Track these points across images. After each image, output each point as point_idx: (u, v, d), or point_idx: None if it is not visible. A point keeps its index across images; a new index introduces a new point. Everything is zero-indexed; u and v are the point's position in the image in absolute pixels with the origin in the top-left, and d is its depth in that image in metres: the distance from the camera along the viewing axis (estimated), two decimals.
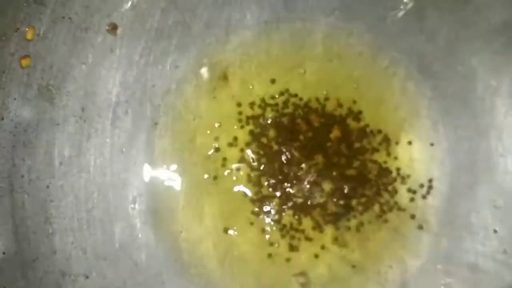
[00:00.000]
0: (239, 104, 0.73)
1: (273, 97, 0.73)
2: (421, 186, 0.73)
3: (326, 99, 0.74)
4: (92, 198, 0.69)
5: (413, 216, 0.73)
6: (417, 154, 0.74)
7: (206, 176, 0.72)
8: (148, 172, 0.72)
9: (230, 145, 0.73)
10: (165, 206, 0.71)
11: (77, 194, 0.68)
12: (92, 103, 0.68)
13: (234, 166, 0.73)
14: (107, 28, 0.67)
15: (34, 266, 0.64)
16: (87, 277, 0.66)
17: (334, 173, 0.72)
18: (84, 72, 0.67)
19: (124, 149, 0.70)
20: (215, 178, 0.72)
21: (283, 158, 0.72)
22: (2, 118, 0.63)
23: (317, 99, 0.74)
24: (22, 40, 0.63)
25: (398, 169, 0.73)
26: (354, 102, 0.74)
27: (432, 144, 0.74)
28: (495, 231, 0.71)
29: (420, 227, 0.73)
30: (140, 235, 0.70)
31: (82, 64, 0.67)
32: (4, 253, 0.62)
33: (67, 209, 0.66)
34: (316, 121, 0.73)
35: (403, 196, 0.73)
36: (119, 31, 0.67)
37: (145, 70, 0.70)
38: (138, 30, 0.69)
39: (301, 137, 0.72)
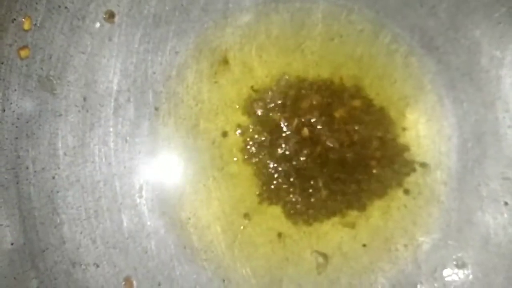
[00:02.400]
0: (241, 88, 0.72)
1: (275, 79, 0.72)
2: (429, 161, 0.72)
3: (329, 78, 0.73)
4: (98, 187, 0.68)
5: (421, 192, 0.72)
6: (423, 130, 0.73)
7: (211, 161, 0.72)
8: (153, 160, 0.71)
9: (234, 129, 0.72)
10: (172, 193, 0.71)
11: (83, 184, 0.67)
12: (93, 92, 0.67)
13: (239, 150, 0.72)
14: (104, 16, 0.66)
15: (44, 256, 0.64)
16: (97, 266, 0.66)
17: (340, 153, 0.72)
18: (83, 62, 0.66)
19: (128, 138, 0.69)
20: (220, 163, 0.72)
21: (289, 140, 0.71)
22: (4, 110, 0.63)
23: (320, 79, 0.73)
24: (19, 31, 0.63)
25: (404, 146, 0.72)
26: (357, 80, 0.73)
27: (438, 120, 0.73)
28: (505, 203, 0.71)
29: (430, 203, 0.72)
30: (148, 223, 0.70)
31: (81, 53, 0.66)
32: (12, 244, 0.62)
33: (74, 199, 0.66)
34: (320, 101, 0.72)
35: (410, 172, 0.72)
36: (116, 18, 0.67)
37: (145, 57, 0.69)
38: (136, 17, 0.69)
39: (306, 118, 0.72)
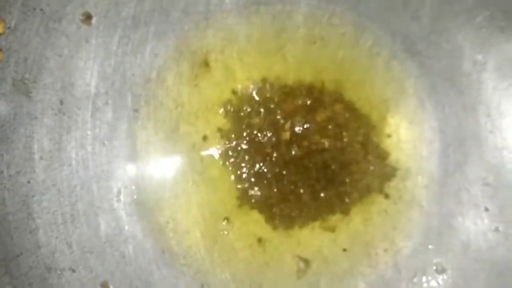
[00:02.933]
0: (222, 91, 0.71)
1: (256, 83, 0.72)
2: (410, 166, 0.72)
3: (310, 82, 0.72)
4: (75, 191, 0.67)
5: (402, 197, 0.72)
6: (405, 134, 0.72)
7: (191, 165, 0.71)
8: (132, 164, 0.70)
9: (214, 133, 0.71)
10: (150, 197, 0.70)
11: (60, 188, 0.66)
12: (70, 95, 0.66)
13: (219, 154, 0.71)
14: (81, 18, 0.65)
15: (18, 261, 0.63)
16: (73, 271, 0.65)
17: (321, 157, 0.71)
18: (60, 64, 0.65)
19: (106, 141, 0.68)
20: (200, 167, 0.71)
21: (269, 144, 0.71)
22: None
23: (301, 83, 0.72)
24: None
25: (386, 150, 0.72)
26: (339, 83, 0.72)
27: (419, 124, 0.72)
28: (486, 209, 0.71)
29: (410, 207, 0.71)
30: (126, 227, 0.69)
31: (58, 56, 0.65)
32: None
33: (50, 203, 0.65)
34: (301, 105, 0.72)
35: (391, 177, 0.72)
36: (93, 20, 0.66)
37: (123, 59, 0.68)
38: (114, 19, 0.68)
39: (287, 122, 0.71)
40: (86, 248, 0.67)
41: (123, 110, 0.69)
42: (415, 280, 0.71)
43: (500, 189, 0.70)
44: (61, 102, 0.65)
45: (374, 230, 0.72)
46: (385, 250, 0.71)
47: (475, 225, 0.70)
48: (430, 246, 0.71)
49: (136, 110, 0.70)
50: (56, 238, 0.65)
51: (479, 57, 0.71)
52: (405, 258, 0.71)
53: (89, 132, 0.68)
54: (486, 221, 0.70)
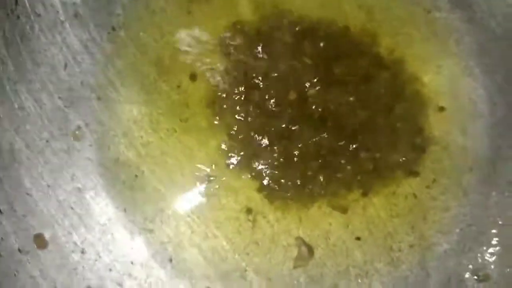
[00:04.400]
0: (219, 23, 0.60)
1: (264, 16, 0.60)
2: (451, 142, 0.61)
3: (332, 24, 0.61)
4: (19, 116, 0.57)
5: (438, 180, 0.60)
6: (445, 103, 0.61)
7: (173, 109, 0.60)
8: (98, 96, 0.59)
9: (206, 73, 0.59)
10: (116, 141, 0.59)
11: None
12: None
13: (210, 99, 0.59)
14: None
15: None
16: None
17: (338, 119, 0.59)
18: None
19: (67, 63, 0.57)
20: (185, 112, 0.59)
21: (273, 95, 0.59)
22: None
23: (321, 24, 0.61)
24: None
25: (420, 119, 0.61)
26: (366, 33, 0.61)
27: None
28: None
29: (448, 194, 0.60)
30: (81, 173, 0.58)
31: None
32: None
33: None
34: (317, 51, 0.60)
35: (427, 155, 0.61)
36: None
37: None
38: None
39: (294, 63, 0.59)
40: (22, 188, 0.56)
41: (95, 29, 0.59)
42: (448, 287, 0.59)
43: None
44: (17, 2, 0.54)
45: (398, 218, 0.60)
46: (411, 246, 0.60)
47: None
48: (470, 246, 0.60)
49: (110, 33, 0.59)
50: None
51: None
52: (437, 258, 0.60)
53: (48, 47, 0.57)
54: None
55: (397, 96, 0.61)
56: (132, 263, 0.58)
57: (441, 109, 0.61)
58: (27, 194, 0.56)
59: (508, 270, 0.59)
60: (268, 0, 0.61)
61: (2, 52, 0.55)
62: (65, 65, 0.57)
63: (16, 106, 0.57)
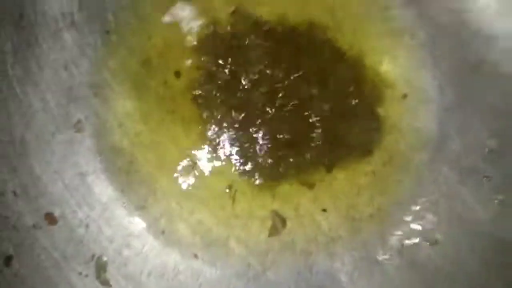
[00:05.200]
0: (200, 25, 0.67)
1: (238, 20, 0.67)
2: (404, 125, 0.67)
3: (298, 24, 0.67)
4: (28, 113, 0.63)
5: (393, 158, 0.67)
6: (400, 90, 0.67)
7: (160, 102, 0.66)
8: (96, 93, 0.65)
9: (188, 69, 0.66)
10: (113, 132, 0.65)
11: (9, 107, 0.62)
12: (33, 10, 0.62)
13: (193, 93, 0.66)
14: None
15: None
16: (15, 194, 0.61)
17: (306, 106, 0.66)
18: None
19: (67, 66, 0.64)
20: (171, 105, 0.66)
21: (248, 88, 0.66)
22: None
23: (287, 25, 0.67)
24: None
25: (377, 106, 0.67)
26: (329, 29, 0.67)
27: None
28: (487, 177, 0.65)
29: (402, 171, 0.67)
30: (82, 161, 0.65)
31: None
32: None
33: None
34: (286, 48, 0.66)
35: (383, 136, 0.67)
36: None
37: None
38: None
39: (272, 63, 0.66)
40: (34, 174, 0.62)
41: (90, 35, 0.65)
42: (402, 250, 0.65)
43: (504, 156, 0.65)
44: (21, 16, 0.61)
45: (359, 192, 0.66)
46: (370, 216, 0.66)
47: (474, 195, 0.65)
48: (421, 214, 0.66)
49: (104, 37, 0.65)
50: (1, 156, 0.60)
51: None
52: (393, 226, 0.66)
53: (51, 53, 0.64)
54: (486, 190, 0.65)
55: (357, 86, 0.66)
56: (129, 235, 0.64)
57: (396, 97, 0.66)
58: (38, 178, 0.62)
59: (454, 235, 0.64)
60: (239, 4, 0.67)
61: (11, 58, 0.61)
62: (65, 67, 0.64)
63: (25, 104, 0.63)
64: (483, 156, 0.65)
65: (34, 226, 0.62)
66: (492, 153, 0.65)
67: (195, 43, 0.66)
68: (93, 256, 0.63)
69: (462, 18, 0.66)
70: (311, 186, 0.66)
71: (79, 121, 0.65)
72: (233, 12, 0.67)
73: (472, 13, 0.66)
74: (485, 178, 0.65)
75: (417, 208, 0.66)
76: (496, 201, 0.64)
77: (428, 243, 0.65)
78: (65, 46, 0.64)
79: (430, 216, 0.65)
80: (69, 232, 0.63)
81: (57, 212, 0.63)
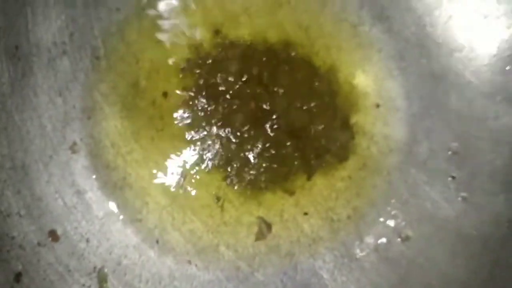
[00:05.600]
0: (184, 48, 0.71)
1: (218, 42, 0.71)
2: (376, 132, 0.71)
3: (275, 44, 0.72)
4: (27, 138, 0.67)
5: (366, 164, 0.71)
6: (371, 101, 0.72)
7: (150, 121, 0.70)
8: (89, 116, 0.69)
9: (175, 90, 0.70)
10: (107, 151, 0.69)
11: (10, 134, 0.66)
12: (26, 41, 0.66)
13: (180, 112, 0.70)
14: None
15: None
16: (20, 215, 0.64)
17: (285, 119, 0.70)
18: (17, 9, 0.65)
19: (62, 91, 0.68)
20: (160, 124, 0.70)
21: (230, 105, 0.70)
22: None
23: (266, 46, 0.71)
24: None
25: (351, 116, 0.71)
26: (304, 48, 0.72)
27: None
28: (452, 177, 0.70)
29: (375, 175, 0.71)
30: (80, 180, 0.68)
31: (15, 0, 0.65)
32: None
33: None
34: (265, 67, 0.71)
35: (358, 143, 0.71)
36: None
37: (84, 11, 0.68)
38: None
39: (250, 82, 0.70)
40: (35, 196, 0.66)
41: (81, 62, 0.68)
42: (378, 248, 0.69)
43: (467, 157, 0.70)
44: (17, 48, 0.65)
45: (337, 196, 0.70)
46: (348, 217, 0.70)
47: (442, 194, 0.69)
48: (394, 214, 0.70)
49: (94, 63, 0.69)
50: (5, 181, 0.64)
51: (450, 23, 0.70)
52: (368, 225, 0.70)
53: (44, 81, 0.67)
54: (452, 189, 0.69)
55: (332, 99, 0.71)
56: (127, 246, 0.67)
57: (367, 106, 0.71)
58: (39, 199, 0.66)
59: (424, 231, 0.68)
60: (220, 26, 0.71)
61: (8, 89, 0.64)
62: (60, 93, 0.67)
63: (24, 131, 0.66)
64: (447, 158, 0.69)
65: (39, 243, 0.65)
66: (456, 155, 0.69)
67: (180, 65, 0.70)
68: (94, 268, 0.66)
69: (427, 32, 0.71)
70: (292, 193, 0.70)
71: (74, 143, 0.68)
72: (214, 35, 0.71)
73: (435, 26, 0.71)
74: (450, 178, 0.69)
75: (390, 208, 0.69)
76: (459, 199, 0.68)
77: (400, 240, 0.69)
78: (58, 73, 0.68)
79: (401, 215, 0.69)
80: (71, 247, 0.66)
81: (59, 229, 0.66)
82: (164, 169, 0.70)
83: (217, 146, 0.70)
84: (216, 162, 0.70)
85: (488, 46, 0.70)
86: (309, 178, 0.70)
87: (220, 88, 0.70)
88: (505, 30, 0.69)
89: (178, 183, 0.69)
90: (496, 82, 0.69)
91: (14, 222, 0.64)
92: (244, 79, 0.70)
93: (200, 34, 0.71)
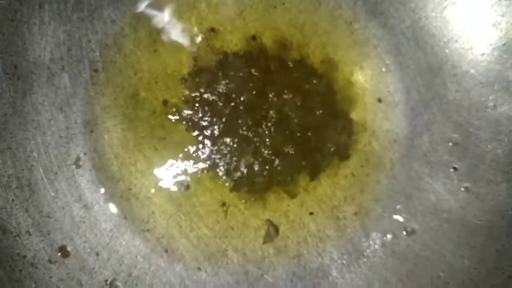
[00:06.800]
0: (181, 57, 0.71)
1: (215, 48, 0.71)
2: (376, 128, 0.72)
3: (271, 46, 0.72)
4: (31, 156, 0.67)
5: (369, 160, 0.71)
6: (370, 97, 0.72)
7: (152, 131, 0.70)
8: (91, 130, 0.69)
9: (175, 98, 0.70)
10: (111, 163, 0.69)
11: (15, 153, 0.66)
12: (25, 60, 0.66)
13: (181, 120, 0.71)
14: None
15: None
16: (30, 234, 0.65)
17: (286, 120, 0.71)
18: (13, 29, 0.65)
19: (63, 107, 0.68)
20: (162, 133, 0.70)
21: (230, 110, 0.71)
22: None
23: (262, 47, 0.72)
24: None
25: (351, 113, 0.72)
26: (301, 47, 0.72)
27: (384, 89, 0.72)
28: (454, 168, 0.70)
29: (377, 170, 0.71)
30: (86, 193, 0.68)
31: (10, 20, 0.65)
32: None
33: (4, 167, 0.65)
34: (262, 70, 0.71)
35: (359, 140, 0.72)
36: None
37: (79, 25, 0.68)
38: None
39: (250, 85, 0.71)
40: (43, 213, 0.66)
41: (80, 76, 0.68)
42: (384, 242, 0.70)
43: (468, 148, 0.70)
44: (16, 67, 0.65)
45: (341, 193, 0.71)
46: (354, 214, 0.71)
47: (444, 186, 0.70)
48: (398, 208, 0.70)
49: (93, 76, 0.69)
50: (12, 201, 0.64)
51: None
52: (374, 221, 0.71)
53: (45, 98, 0.67)
54: (455, 181, 0.70)
55: (331, 97, 0.71)
56: (136, 257, 0.68)
57: (367, 103, 0.71)
58: (48, 216, 0.66)
59: (429, 224, 0.69)
60: (216, 31, 0.71)
61: (10, 108, 0.65)
62: (61, 109, 0.67)
63: (28, 150, 0.66)
64: (448, 149, 0.70)
65: (49, 260, 0.65)
66: (457, 146, 0.70)
67: (179, 74, 0.70)
68: (106, 281, 0.67)
69: (422, 24, 0.71)
70: (293, 195, 0.71)
71: (78, 158, 0.68)
72: (210, 40, 0.71)
73: (430, 19, 0.71)
74: (452, 169, 0.70)
75: (394, 202, 0.70)
76: (462, 189, 0.69)
77: (406, 234, 0.69)
78: (58, 89, 0.68)
79: (406, 209, 0.70)
80: (82, 262, 0.67)
81: (69, 245, 0.66)
82: (168, 178, 0.70)
83: (219, 151, 0.70)
84: (220, 167, 0.70)
85: (483, 36, 0.70)
86: (312, 178, 0.71)
87: (220, 94, 0.71)
88: (500, 18, 0.70)
89: (183, 190, 0.70)
90: (493, 71, 0.70)
91: (24, 241, 0.64)
92: (243, 82, 0.70)
93: (196, 41, 0.71)
